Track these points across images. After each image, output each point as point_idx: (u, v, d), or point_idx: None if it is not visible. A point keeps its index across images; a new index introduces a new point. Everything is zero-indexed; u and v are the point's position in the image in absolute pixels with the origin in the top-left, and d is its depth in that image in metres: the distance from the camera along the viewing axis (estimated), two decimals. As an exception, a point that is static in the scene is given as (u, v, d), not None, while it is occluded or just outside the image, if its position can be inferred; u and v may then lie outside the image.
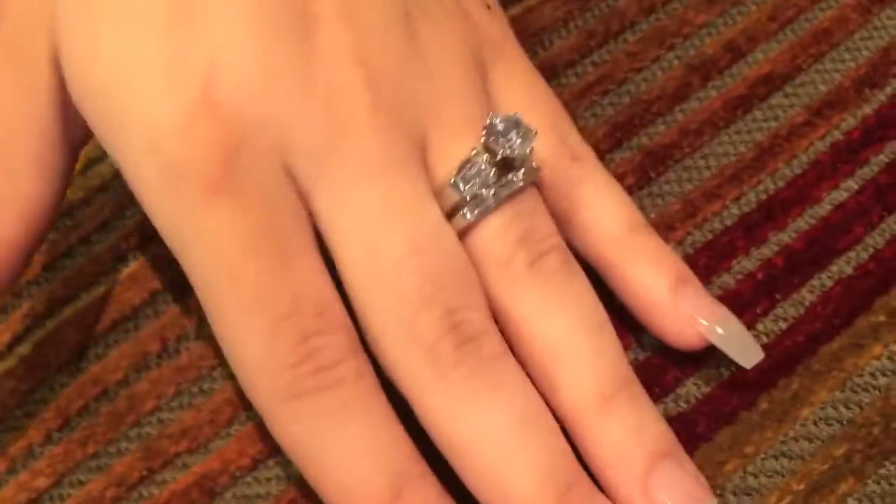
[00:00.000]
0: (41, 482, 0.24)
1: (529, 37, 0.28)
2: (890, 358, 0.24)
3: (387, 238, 0.20)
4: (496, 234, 0.22)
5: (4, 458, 0.25)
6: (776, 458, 0.23)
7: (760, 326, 0.24)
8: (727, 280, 0.25)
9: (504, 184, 0.21)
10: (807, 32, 0.28)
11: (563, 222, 0.23)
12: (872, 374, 0.24)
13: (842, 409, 0.23)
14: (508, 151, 0.21)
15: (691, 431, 0.23)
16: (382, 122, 0.21)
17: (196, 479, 0.24)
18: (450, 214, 0.21)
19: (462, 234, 0.21)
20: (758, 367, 0.24)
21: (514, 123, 0.21)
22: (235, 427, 0.24)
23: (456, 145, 0.22)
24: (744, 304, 0.24)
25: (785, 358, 0.24)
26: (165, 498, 0.24)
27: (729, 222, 0.25)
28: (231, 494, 0.23)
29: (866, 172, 0.26)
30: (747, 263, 0.25)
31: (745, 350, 0.23)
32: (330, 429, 0.20)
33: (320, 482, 0.21)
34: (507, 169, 0.21)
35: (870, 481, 0.23)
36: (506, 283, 0.22)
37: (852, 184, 0.26)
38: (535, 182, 0.22)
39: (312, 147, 0.20)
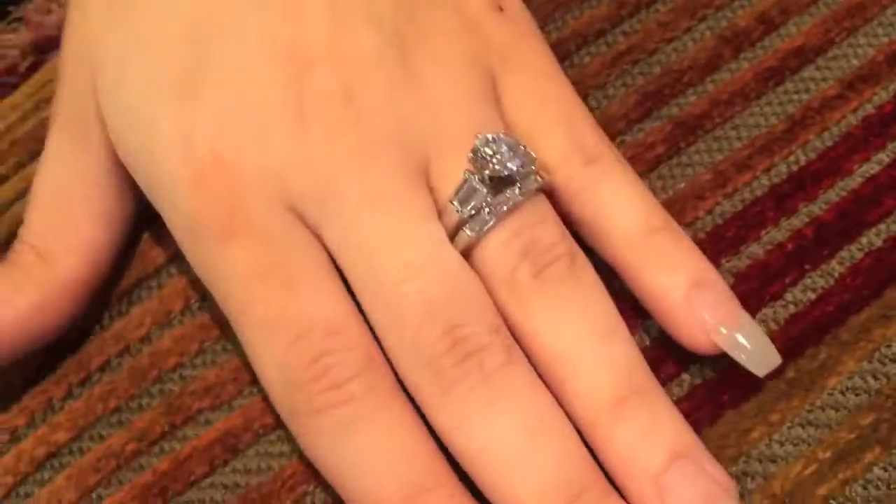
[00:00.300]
0: (61, 436, 0.24)
1: (559, 6, 0.28)
2: (919, 331, 0.24)
3: (386, 265, 0.21)
4: (498, 249, 0.22)
5: (24, 412, 0.25)
6: (802, 426, 0.23)
7: (789, 296, 0.24)
8: (756, 250, 0.25)
9: (500, 200, 0.22)
10: (840, 6, 0.28)
11: (580, 226, 0.23)
12: (901, 346, 0.23)
13: (870, 379, 0.23)
14: (496, 170, 0.22)
15: (717, 400, 0.23)
16: (375, 158, 0.22)
17: (219, 435, 0.24)
18: (453, 233, 0.22)
19: (468, 251, 0.22)
20: (786, 335, 0.24)
21: (501, 141, 0.22)
22: (259, 386, 0.24)
23: (455, 165, 0.22)
24: (773, 274, 0.24)
25: (813, 328, 0.24)
26: (187, 453, 0.23)
27: (759, 192, 0.25)
28: (254, 451, 0.23)
29: (898, 146, 0.26)
30: (777, 234, 0.25)
31: (760, 358, 0.22)
32: (344, 443, 0.21)
33: (341, 491, 0.22)
34: (503, 185, 0.22)
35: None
36: (512, 297, 0.22)
37: (884, 157, 0.25)
38: (544, 189, 0.23)
39: (310, 191, 0.22)
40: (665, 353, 0.23)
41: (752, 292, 0.24)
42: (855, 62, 0.27)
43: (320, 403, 0.21)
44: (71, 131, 0.25)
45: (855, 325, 0.24)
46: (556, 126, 0.23)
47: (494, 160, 0.22)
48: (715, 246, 0.25)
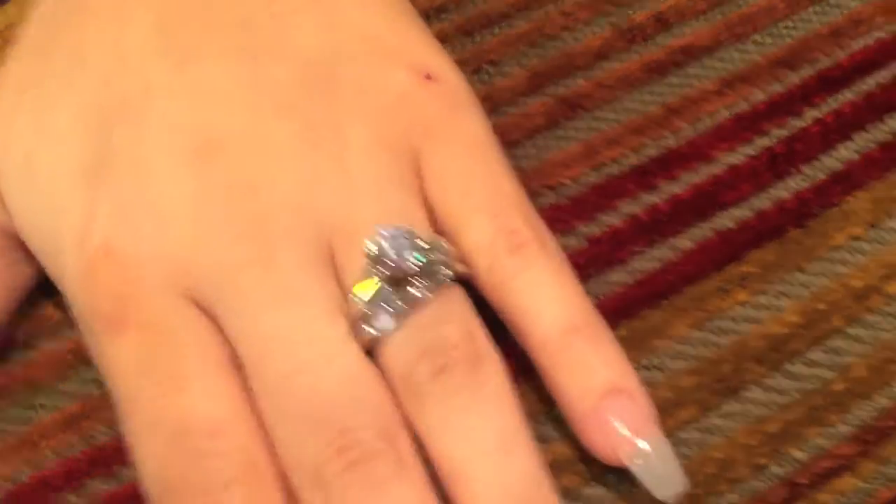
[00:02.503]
0: None
1: (475, -7, 0.30)
2: (755, 307, 0.24)
3: (279, 362, 0.21)
4: (400, 346, 0.21)
5: None
6: (625, 382, 0.23)
7: (636, 263, 0.25)
8: (611, 218, 0.26)
9: (403, 297, 0.21)
10: (735, 15, 0.29)
11: (504, 319, 0.23)
12: (734, 319, 0.24)
13: (699, 346, 0.24)
14: (394, 267, 0.21)
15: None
16: (277, 253, 0.21)
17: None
18: (355, 328, 0.21)
19: (371, 347, 0.21)
20: (625, 297, 0.25)
21: (401, 235, 0.21)
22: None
23: (360, 258, 0.21)
24: (622, 240, 0.25)
25: (652, 293, 0.25)
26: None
27: (626, 168, 0.26)
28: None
29: (765, 142, 0.27)
30: (634, 206, 0.26)
31: (665, 481, 0.21)
32: None
33: None
34: (407, 280, 0.21)
35: (712, 414, 0.23)
36: (410, 399, 0.21)
37: (749, 150, 0.27)
38: (462, 279, 0.22)
39: (209, 281, 0.21)
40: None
41: (600, 255, 0.25)
42: (740, 65, 0.28)
43: None
44: None
45: (692, 294, 0.25)
46: (481, 209, 0.22)
47: (393, 256, 0.21)
48: (573, 211, 0.26)
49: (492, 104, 0.28)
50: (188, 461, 0.20)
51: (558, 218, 0.26)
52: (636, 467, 0.21)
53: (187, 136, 0.22)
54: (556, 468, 0.22)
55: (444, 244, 0.22)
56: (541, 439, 0.23)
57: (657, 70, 0.28)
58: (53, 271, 0.23)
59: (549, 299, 0.22)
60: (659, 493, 0.21)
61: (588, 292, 0.23)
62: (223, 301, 0.21)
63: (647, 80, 0.28)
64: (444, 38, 0.29)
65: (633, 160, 0.27)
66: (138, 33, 0.23)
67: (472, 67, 0.28)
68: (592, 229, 0.26)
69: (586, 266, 0.25)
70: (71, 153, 0.22)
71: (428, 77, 0.24)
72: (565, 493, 0.22)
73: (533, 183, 0.26)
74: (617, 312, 0.24)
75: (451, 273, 0.22)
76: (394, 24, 0.25)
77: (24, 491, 0.23)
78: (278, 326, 0.21)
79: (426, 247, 0.21)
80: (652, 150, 0.27)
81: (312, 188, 0.22)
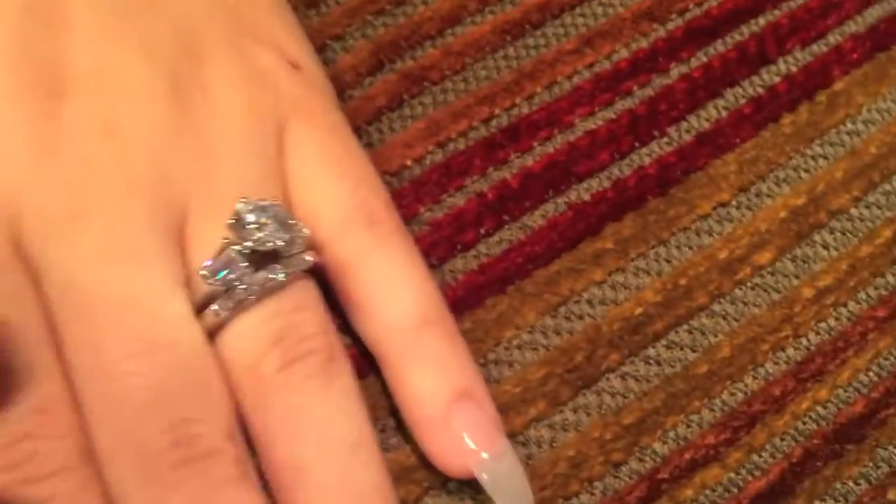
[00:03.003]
0: None
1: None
2: (612, 287, 0.22)
3: (113, 336, 0.18)
4: (249, 332, 0.19)
5: None
6: (470, 378, 0.21)
7: (482, 247, 0.23)
8: (457, 199, 0.24)
9: (260, 277, 0.19)
10: (598, -34, 0.27)
11: (343, 298, 0.21)
12: (589, 301, 0.22)
13: (550, 334, 0.22)
14: (260, 243, 0.19)
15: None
16: (126, 205, 0.19)
17: None
18: (200, 307, 0.19)
19: (214, 331, 0.19)
20: (468, 285, 0.23)
21: (271, 210, 0.19)
22: None
23: (215, 230, 0.19)
24: (467, 222, 0.23)
25: (498, 278, 0.22)
26: None
27: (472, 142, 0.24)
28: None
29: (627, 103, 0.25)
30: (482, 183, 0.24)
31: (512, 494, 0.19)
32: None
33: None
34: (265, 261, 0.19)
35: (565, 408, 0.21)
36: (252, 391, 0.19)
37: (610, 113, 0.24)
38: (315, 269, 0.20)
39: (46, 220, 0.19)
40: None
41: (443, 241, 0.23)
42: (602, 20, 0.26)
43: (13, 499, 0.18)
44: None
45: (542, 276, 0.22)
46: (341, 181, 0.21)
47: (259, 231, 0.19)
48: (416, 194, 0.24)
49: (337, 87, 0.25)
50: (7, 440, 0.18)
51: (400, 204, 0.23)
52: (484, 481, 0.19)
53: (41, 70, 0.20)
54: (394, 478, 0.20)
55: (304, 229, 0.20)
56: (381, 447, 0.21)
57: (511, 32, 0.26)
58: None
59: (402, 284, 0.20)
60: None
61: (430, 282, 0.21)
62: (50, 255, 0.19)
63: (499, 43, 0.26)
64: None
65: (481, 132, 0.24)
66: None
67: (317, 44, 0.26)
68: (436, 213, 0.23)
69: (428, 253, 0.23)
70: None
71: (294, 66, 0.22)
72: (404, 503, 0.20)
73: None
74: (459, 302, 0.22)
75: (311, 260, 0.20)
76: (269, 17, 0.23)
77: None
78: (109, 297, 0.18)
79: (293, 226, 0.20)
80: (502, 120, 0.25)
81: (171, 145, 0.20)
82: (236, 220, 0.19)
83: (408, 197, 0.23)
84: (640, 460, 0.21)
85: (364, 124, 0.25)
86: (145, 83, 0.20)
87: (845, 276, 0.23)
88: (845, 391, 0.22)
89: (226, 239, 0.19)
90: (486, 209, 0.23)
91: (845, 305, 0.22)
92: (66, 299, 0.19)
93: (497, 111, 0.25)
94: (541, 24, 0.26)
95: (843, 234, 0.23)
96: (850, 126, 0.24)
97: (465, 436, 0.19)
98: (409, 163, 0.24)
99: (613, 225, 0.23)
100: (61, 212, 0.19)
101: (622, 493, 0.20)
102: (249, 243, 0.19)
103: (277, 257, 0.19)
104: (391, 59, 0.26)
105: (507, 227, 0.23)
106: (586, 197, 0.23)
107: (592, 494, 0.20)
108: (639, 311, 0.22)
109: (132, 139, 0.20)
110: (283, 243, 0.19)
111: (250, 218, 0.19)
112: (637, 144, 0.24)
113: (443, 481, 0.20)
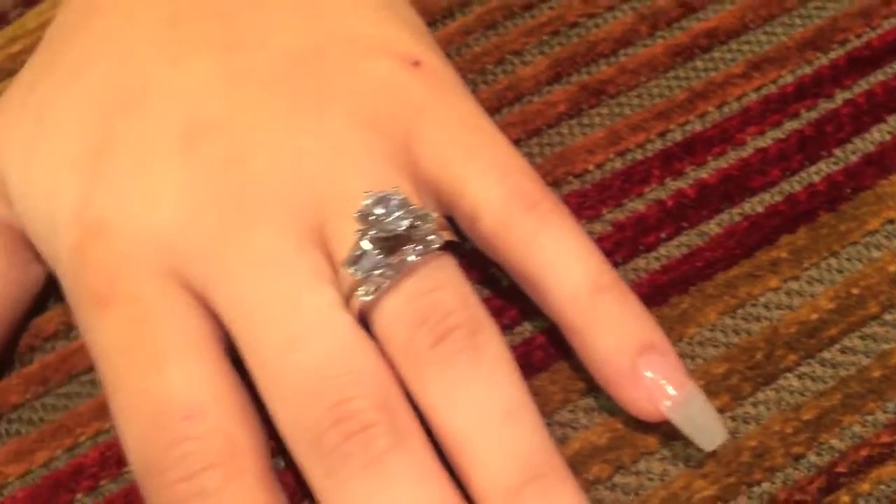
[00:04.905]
0: None
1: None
2: (787, 293, 0.24)
3: (268, 334, 0.21)
4: (395, 315, 0.21)
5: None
6: (656, 370, 0.23)
7: (662, 249, 0.24)
8: (637, 204, 0.25)
9: (394, 262, 0.21)
10: (761, -3, 0.29)
11: (520, 279, 0.22)
12: (766, 306, 0.24)
13: (730, 333, 0.23)
14: (386, 230, 0.21)
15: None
16: (259, 220, 0.21)
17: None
18: (348, 297, 0.21)
19: (364, 316, 0.21)
20: (653, 283, 0.24)
21: (391, 198, 0.21)
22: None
23: (349, 226, 0.21)
24: (649, 226, 0.25)
25: (680, 279, 0.24)
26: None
27: (650, 153, 0.26)
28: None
29: (794, 124, 0.26)
30: (661, 192, 0.25)
31: (705, 429, 0.21)
32: None
33: None
34: (397, 245, 0.21)
35: (746, 402, 0.22)
36: (410, 368, 0.21)
37: (779, 133, 0.26)
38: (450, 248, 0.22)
39: (194, 253, 0.22)
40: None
41: (626, 241, 0.25)
42: (766, 47, 0.28)
43: (176, 496, 0.20)
44: None
45: (722, 280, 0.24)
46: (489, 172, 0.22)
47: (383, 219, 0.21)
48: (598, 196, 0.25)
49: (515, 93, 0.27)
50: (166, 444, 0.20)
51: (583, 204, 0.25)
52: (680, 421, 0.21)
53: (178, 123, 0.23)
54: (585, 457, 0.22)
55: (432, 213, 0.22)
56: (571, 427, 0.22)
57: (681, 54, 0.28)
58: (49, 252, 0.23)
59: (573, 258, 0.22)
60: (702, 443, 0.21)
61: (615, 279, 0.22)
62: (211, 279, 0.21)
63: (671, 64, 0.27)
64: (467, 31, 0.28)
65: (658, 145, 0.26)
66: (142, 31, 0.24)
67: (495, 58, 0.28)
68: (617, 215, 0.25)
69: (612, 252, 0.24)
70: (71, 141, 0.23)
71: (415, 63, 0.24)
72: (596, 482, 0.22)
73: (557, 170, 0.26)
74: (645, 299, 0.23)
75: (441, 238, 0.21)
76: (378, 22, 0.25)
77: (60, 477, 0.23)
78: (262, 299, 0.21)
79: (417, 210, 0.21)
80: (678, 135, 0.26)
81: (296, 161, 0.22)
82: (364, 212, 0.21)
83: (592, 198, 0.25)
84: (819, 454, 0.22)
85: (545, 127, 0.27)
86: (265, 117, 0.23)
87: None
88: None
89: (359, 231, 0.21)
90: (666, 215, 0.25)
91: None
92: (229, 310, 0.21)
93: (672, 126, 0.26)
94: (708, 48, 0.28)
95: None
96: None
97: (656, 381, 0.21)
98: (591, 167, 0.26)
99: (788, 236, 0.24)
100: (205, 238, 0.22)
101: (802, 483, 0.22)
102: (377, 231, 0.21)
103: (408, 240, 0.21)
104: (569, 73, 0.27)
105: (685, 233, 0.25)
106: (760, 209, 0.25)
107: (773, 483, 0.22)
108: (814, 316, 0.23)
109: (258, 166, 0.22)
110: (406, 227, 0.21)
111: (375, 209, 0.21)
112: (806, 163, 0.25)
113: (633, 460, 0.22)
